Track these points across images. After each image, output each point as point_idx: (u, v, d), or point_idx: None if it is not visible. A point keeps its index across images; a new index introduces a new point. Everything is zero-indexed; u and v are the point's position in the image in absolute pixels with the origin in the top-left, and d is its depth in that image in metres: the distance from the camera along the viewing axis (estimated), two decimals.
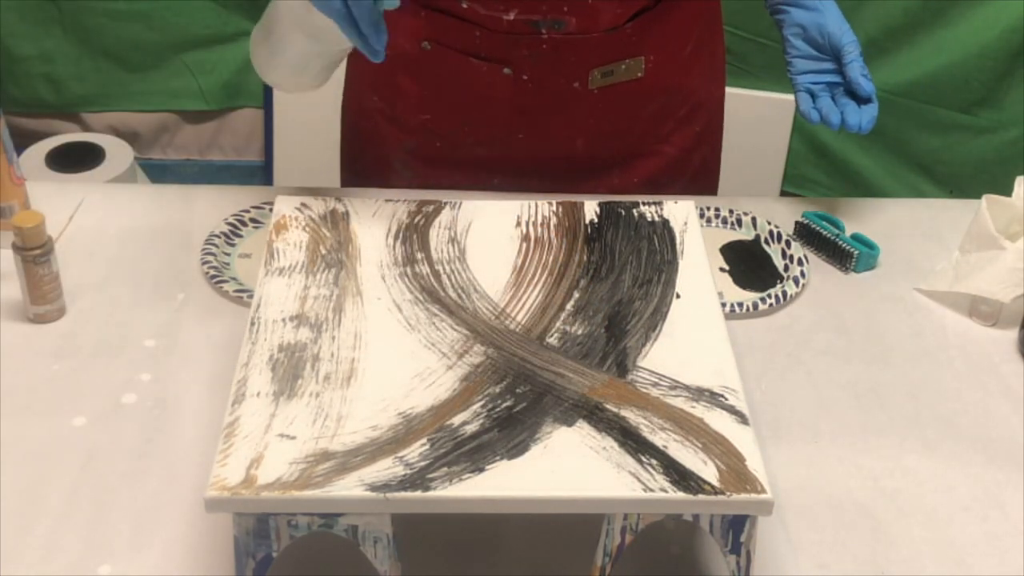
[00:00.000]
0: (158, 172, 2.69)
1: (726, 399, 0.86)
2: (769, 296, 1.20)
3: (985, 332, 1.19)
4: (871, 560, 0.94)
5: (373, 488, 0.77)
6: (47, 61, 2.57)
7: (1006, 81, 2.33)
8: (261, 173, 2.69)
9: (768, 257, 1.28)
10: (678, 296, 0.97)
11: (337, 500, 0.77)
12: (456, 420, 0.83)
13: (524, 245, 1.03)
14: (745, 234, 1.31)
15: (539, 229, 1.05)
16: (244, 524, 0.80)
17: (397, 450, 0.80)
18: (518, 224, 1.05)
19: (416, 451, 0.80)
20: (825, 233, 1.27)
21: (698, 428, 0.83)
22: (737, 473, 0.80)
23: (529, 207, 1.08)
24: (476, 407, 0.85)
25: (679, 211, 1.08)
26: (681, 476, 0.79)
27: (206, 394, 1.05)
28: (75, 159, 2.42)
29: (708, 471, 0.80)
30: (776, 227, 1.29)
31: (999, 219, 1.22)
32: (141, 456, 0.99)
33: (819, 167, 2.49)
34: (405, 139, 1.33)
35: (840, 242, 1.26)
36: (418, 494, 0.77)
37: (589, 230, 1.05)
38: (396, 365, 0.89)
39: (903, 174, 2.47)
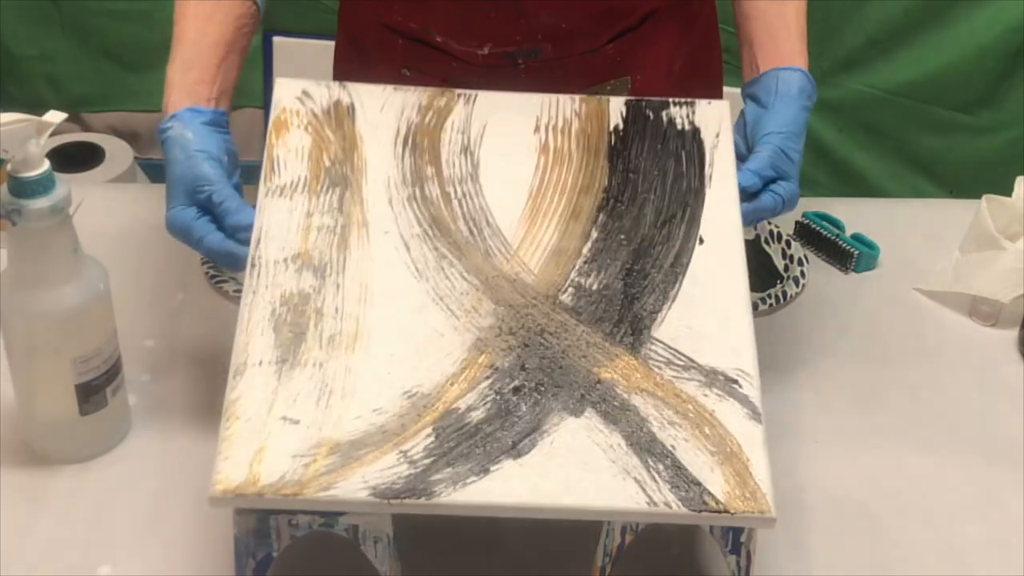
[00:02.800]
0: (158, 172, 2.68)
1: (740, 386, 0.84)
2: (769, 296, 1.20)
3: (985, 332, 1.19)
4: (871, 560, 0.93)
5: (376, 493, 0.77)
6: (47, 61, 2.56)
7: (1006, 81, 2.33)
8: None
9: (768, 257, 1.28)
10: (701, 241, 0.93)
11: (340, 502, 0.77)
12: (463, 404, 0.82)
13: (542, 159, 0.97)
14: (745, 234, 1.30)
15: (559, 137, 0.99)
16: (245, 523, 0.80)
17: (402, 443, 0.80)
18: (537, 129, 1.00)
19: (421, 444, 0.80)
20: (825, 233, 1.27)
21: (709, 427, 0.82)
22: (743, 485, 0.79)
23: (550, 106, 1.00)
24: (483, 387, 0.83)
25: (711, 116, 0.99)
26: (687, 486, 0.79)
27: (206, 394, 1.04)
28: (75, 159, 2.41)
29: (714, 480, 0.79)
30: (776, 227, 1.29)
31: (999, 219, 1.22)
32: (141, 456, 0.99)
33: (819, 167, 2.49)
34: None
35: (840, 242, 1.26)
36: (422, 501, 0.77)
37: (613, 139, 0.99)
38: (403, 326, 0.86)
39: (903, 174, 2.46)
